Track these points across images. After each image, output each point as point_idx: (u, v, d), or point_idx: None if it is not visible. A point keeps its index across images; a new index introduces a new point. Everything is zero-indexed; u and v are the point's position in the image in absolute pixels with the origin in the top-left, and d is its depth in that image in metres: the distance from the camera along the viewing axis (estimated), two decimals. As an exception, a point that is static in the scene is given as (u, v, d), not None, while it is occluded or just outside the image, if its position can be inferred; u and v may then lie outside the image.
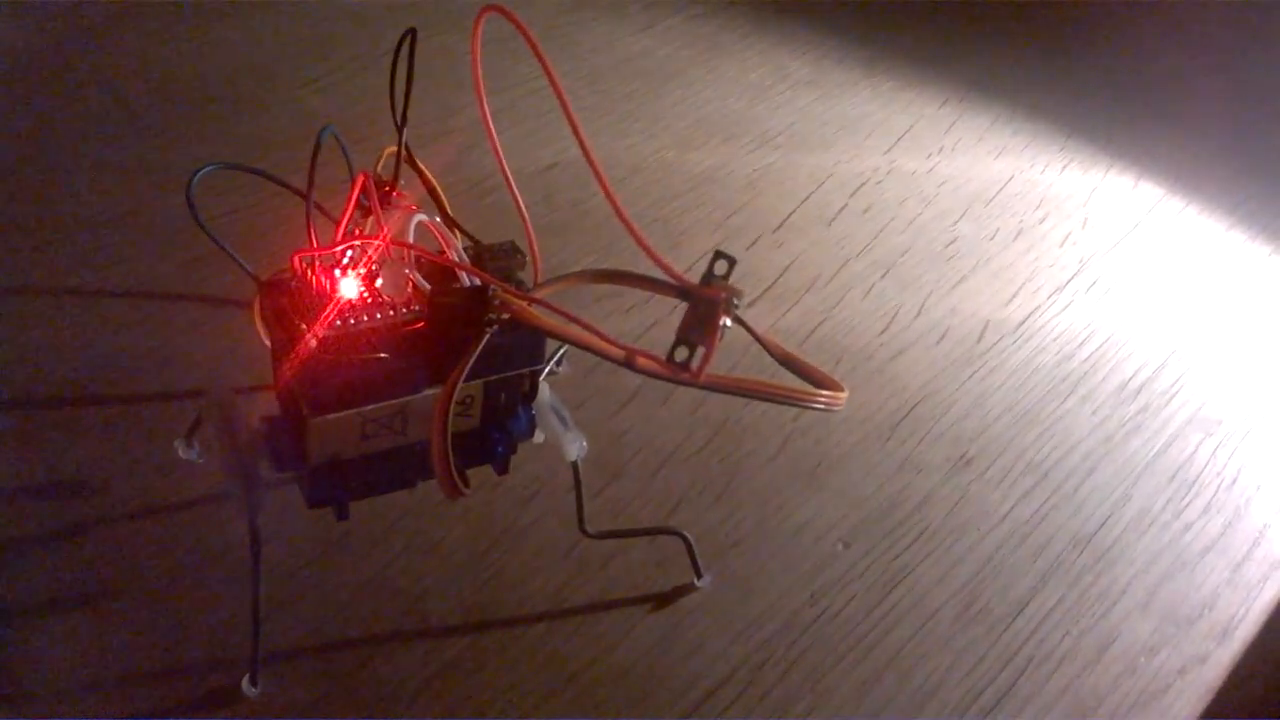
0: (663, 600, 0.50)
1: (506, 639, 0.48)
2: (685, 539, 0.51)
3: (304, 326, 0.39)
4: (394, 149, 0.45)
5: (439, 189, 0.46)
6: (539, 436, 0.46)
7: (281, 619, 0.47)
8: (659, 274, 0.38)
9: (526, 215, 0.42)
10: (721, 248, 0.38)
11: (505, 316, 0.38)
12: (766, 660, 0.49)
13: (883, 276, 0.70)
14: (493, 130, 0.41)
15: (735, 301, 0.37)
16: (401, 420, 0.41)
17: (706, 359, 0.37)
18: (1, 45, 0.75)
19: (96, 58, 0.75)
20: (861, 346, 0.65)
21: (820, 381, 0.40)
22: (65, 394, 0.53)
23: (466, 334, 0.38)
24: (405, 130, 0.44)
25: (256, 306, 0.50)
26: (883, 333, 0.67)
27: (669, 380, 0.38)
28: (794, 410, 0.60)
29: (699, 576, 0.51)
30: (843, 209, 0.75)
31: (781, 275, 0.69)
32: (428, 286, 0.39)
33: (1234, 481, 0.62)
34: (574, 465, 0.46)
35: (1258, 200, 0.84)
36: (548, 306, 0.38)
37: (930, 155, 0.82)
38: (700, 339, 0.37)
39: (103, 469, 0.51)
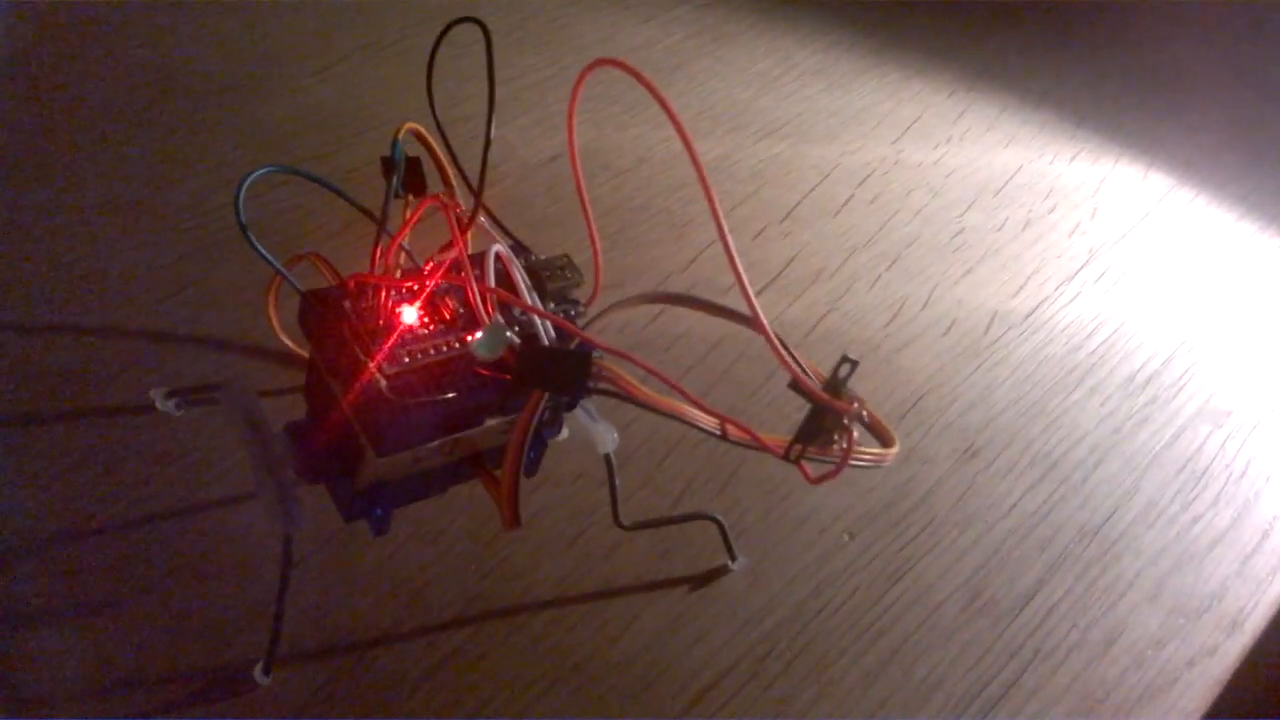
0: (666, 591, 0.50)
1: (509, 629, 0.48)
2: (719, 523, 0.51)
3: (363, 356, 0.37)
4: (411, 124, 0.43)
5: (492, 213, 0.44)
6: (564, 433, 0.46)
7: (287, 608, 0.46)
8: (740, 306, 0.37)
9: (596, 233, 0.41)
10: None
11: (604, 386, 0.36)
12: (771, 651, 0.49)
13: (889, 267, 0.70)
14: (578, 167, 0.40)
15: (863, 414, 0.36)
16: (453, 444, 0.40)
17: (834, 475, 0.36)
18: (5, 38, 0.75)
19: (101, 49, 0.75)
20: (868, 338, 0.65)
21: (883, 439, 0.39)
22: (66, 387, 0.53)
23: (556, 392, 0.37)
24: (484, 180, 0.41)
25: (272, 299, 0.50)
26: (889, 324, 0.66)
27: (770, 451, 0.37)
28: (799, 400, 0.60)
29: (733, 559, 0.51)
30: (849, 199, 0.75)
31: (787, 266, 0.69)
32: (518, 342, 0.37)
33: (1243, 473, 0.61)
34: (607, 458, 0.45)
35: (1268, 191, 0.83)
36: (642, 367, 0.37)
37: (938, 145, 0.81)
38: (820, 450, 0.36)
39: (102, 464, 0.51)
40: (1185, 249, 0.77)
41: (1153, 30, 1.01)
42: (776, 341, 0.36)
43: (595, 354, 0.36)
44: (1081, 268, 0.73)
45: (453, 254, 0.39)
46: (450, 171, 0.45)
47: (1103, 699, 0.50)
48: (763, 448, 0.37)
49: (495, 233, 0.44)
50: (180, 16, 0.79)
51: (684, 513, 0.53)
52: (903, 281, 0.69)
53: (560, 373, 0.36)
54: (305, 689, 0.44)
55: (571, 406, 0.43)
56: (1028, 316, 0.68)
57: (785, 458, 0.37)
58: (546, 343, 0.39)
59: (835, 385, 0.36)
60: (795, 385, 0.37)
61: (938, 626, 0.51)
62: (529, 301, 0.40)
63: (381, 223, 0.39)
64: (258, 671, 0.44)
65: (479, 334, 0.37)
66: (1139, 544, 0.56)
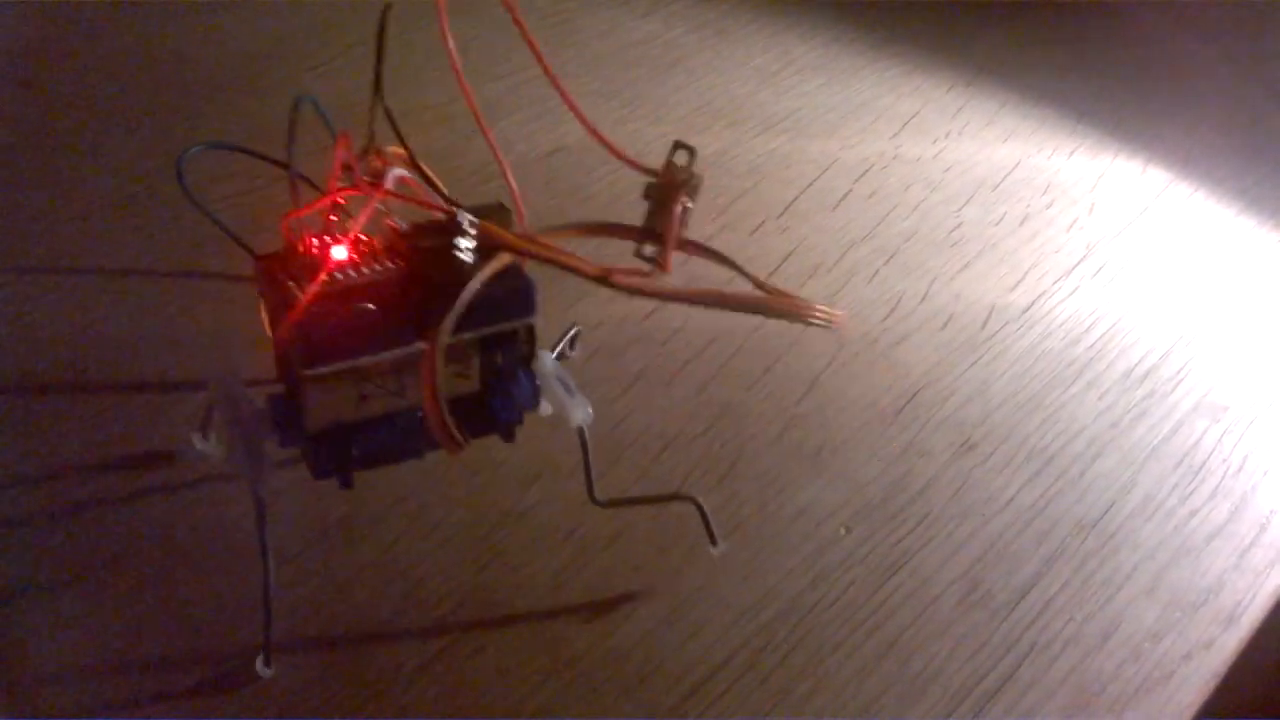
0: (663, 584, 0.50)
1: (505, 621, 0.48)
2: (698, 505, 0.51)
3: (293, 285, 0.39)
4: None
5: (414, 155, 0.46)
6: (545, 408, 0.46)
7: (280, 601, 0.46)
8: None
9: (509, 170, 0.42)
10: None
11: (475, 244, 0.38)
12: (767, 644, 0.49)
13: (887, 262, 0.70)
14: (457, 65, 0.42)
15: (696, 184, 0.37)
16: (398, 381, 0.40)
17: (667, 244, 0.37)
18: (4, 33, 0.75)
19: (98, 45, 0.75)
20: (865, 332, 0.65)
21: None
22: (65, 376, 0.53)
23: (449, 277, 0.38)
24: (383, 92, 0.44)
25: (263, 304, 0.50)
26: (886, 318, 0.66)
27: (641, 291, 0.38)
28: (796, 394, 0.60)
29: (714, 543, 0.51)
30: (847, 194, 0.75)
31: (785, 261, 0.69)
32: (406, 227, 0.40)
33: (1240, 468, 0.61)
34: (580, 431, 0.46)
35: (1268, 186, 0.83)
36: (526, 240, 0.38)
37: (936, 140, 0.81)
38: (662, 224, 0.37)
39: (101, 451, 0.51)
40: (1184, 244, 0.77)
41: (1154, 26, 1.01)
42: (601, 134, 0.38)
43: (460, 212, 0.39)
44: (1079, 262, 0.73)
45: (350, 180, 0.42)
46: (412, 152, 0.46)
47: (1099, 692, 0.50)
48: (642, 285, 0.37)
49: (423, 187, 0.44)
50: (178, 12, 0.79)
51: (662, 493, 0.53)
52: (900, 276, 0.69)
53: (441, 239, 0.39)
54: (301, 681, 0.45)
55: (530, 358, 0.44)
56: (1025, 311, 0.68)
57: (637, 256, 0.37)
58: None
59: (667, 169, 0.38)
60: (648, 190, 0.39)
61: (934, 620, 0.51)
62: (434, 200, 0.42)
63: (289, 158, 0.41)
64: (259, 664, 0.44)
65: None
66: (1136, 538, 0.56)
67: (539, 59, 0.40)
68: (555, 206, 0.68)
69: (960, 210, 0.75)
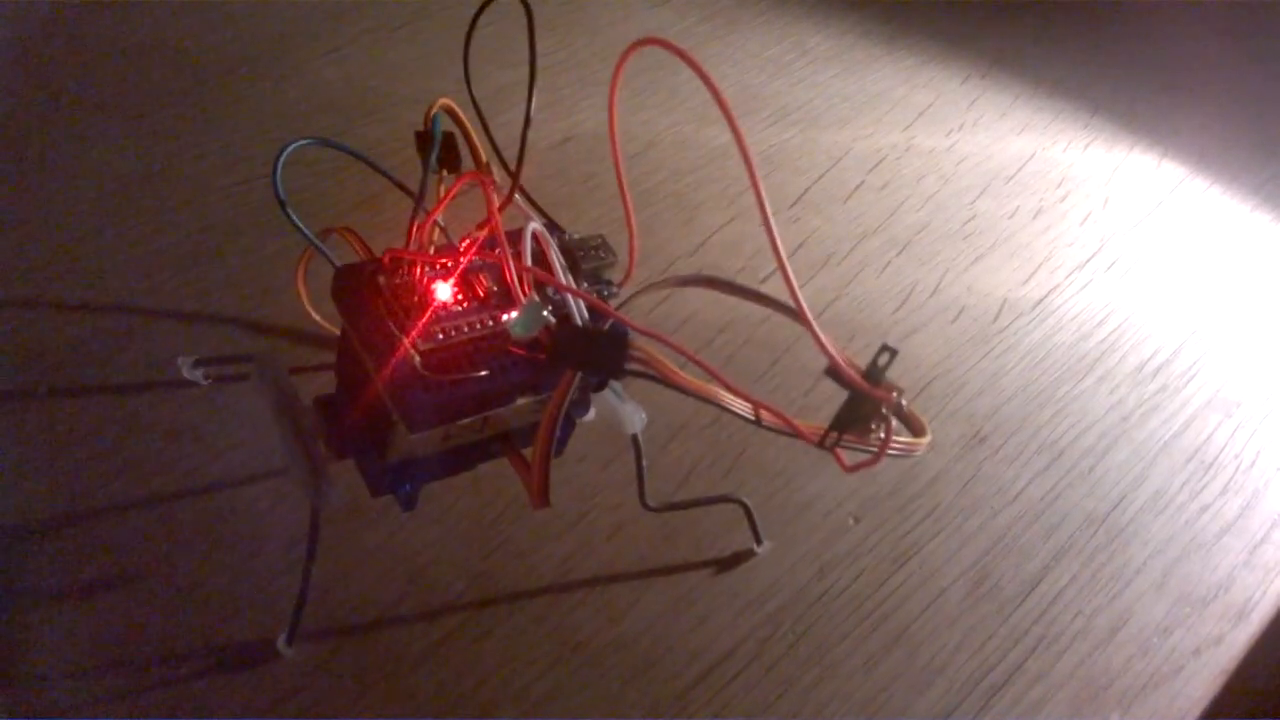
0: (670, 572, 0.50)
1: (512, 607, 0.48)
2: (746, 507, 0.51)
3: (398, 331, 0.37)
4: (445, 100, 0.43)
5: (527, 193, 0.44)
6: (591, 414, 0.45)
7: (289, 583, 0.46)
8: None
9: (632, 212, 0.41)
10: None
11: (639, 369, 0.36)
12: (773, 634, 0.49)
13: (899, 253, 0.70)
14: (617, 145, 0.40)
15: (902, 403, 0.36)
16: (483, 421, 0.40)
17: (871, 464, 0.36)
18: (15, 19, 0.75)
19: (113, 30, 0.75)
20: (876, 324, 0.65)
21: (913, 426, 0.38)
22: (73, 364, 0.54)
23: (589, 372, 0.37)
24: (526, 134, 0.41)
25: (301, 273, 0.50)
26: (897, 310, 0.66)
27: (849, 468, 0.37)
28: (805, 385, 0.60)
29: (759, 543, 0.51)
30: (860, 185, 0.74)
31: (796, 251, 0.68)
32: (553, 321, 0.37)
33: (1253, 463, 0.61)
34: (635, 439, 0.45)
35: (1284, 181, 0.83)
36: (676, 349, 0.36)
37: (950, 132, 0.81)
38: (858, 438, 0.36)
39: (109, 440, 0.51)
40: (1198, 239, 0.76)
41: (1171, 20, 1.00)
42: (817, 329, 0.36)
43: (630, 335, 0.36)
44: (1093, 256, 0.72)
45: (488, 231, 0.39)
46: (481, 149, 0.45)
47: (1107, 686, 0.50)
48: (798, 435, 0.36)
49: (529, 212, 0.44)
50: (192, -3, 0.79)
51: (711, 495, 0.53)
52: (912, 268, 0.69)
53: (596, 353, 0.36)
54: (306, 665, 0.45)
55: (601, 387, 0.43)
56: (1038, 304, 0.68)
57: (821, 445, 0.36)
58: (580, 322, 0.39)
59: (875, 374, 0.36)
60: (833, 372, 0.36)
61: (942, 611, 0.51)
62: (563, 280, 0.39)
63: (419, 198, 0.39)
64: (280, 642, 0.44)
65: (516, 313, 0.37)
66: (1146, 532, 0.56)
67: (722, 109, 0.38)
68: (567, 194, 0.68)
69: (973, 203, 0.75)
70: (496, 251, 0.38)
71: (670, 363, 0.37)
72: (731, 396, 0.37)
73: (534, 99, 0.41)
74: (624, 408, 0.44)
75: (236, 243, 0.61)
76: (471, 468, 0.43)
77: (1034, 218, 0.75)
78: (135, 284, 0.58)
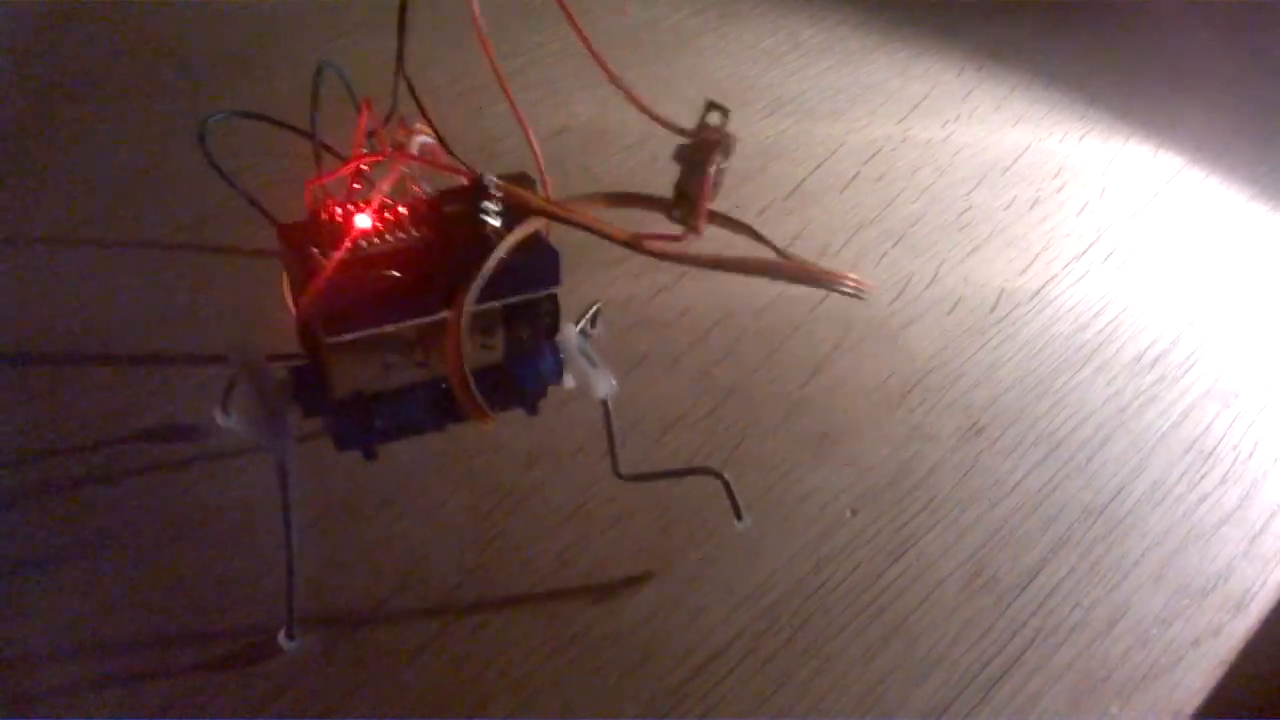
0: (666, 565, 0.50)
1: (508, 600, 0.48)
2: (723, 479, 0.50)
3: (317, 252, 0.38)
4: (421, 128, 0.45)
5: (435, 124, 0.46)
6: (569, 381, 0.45)
7: (280, 578, 0.46)
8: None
9: (535, 140, 0.41)
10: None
11: (501, 207, 0.38)
12: (770, 626, 0.48)
13: (895, 245, 0.69)
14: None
15: (730, 145, 0.36)
16: (423, 352, 0.40)
17: (700, 204, 0.36)
18: (9, 16, 0.74)
19: (110, 21, 0.75)
20: (872, 315, 0.64)
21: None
22: (69, 349, 0.53)
23: (474, 244, 0.38)
24: (406, 62, 0.44)
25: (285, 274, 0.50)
26: (894, 301, 0.66)
27: (669, 256, 0.37)
28: (802, 378, 0.59)
29: (739, 518, 0.51)
30: (855, 176, 0.74)
31: (792, 242, 0.68)
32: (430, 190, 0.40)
33: (1251, 454, 0.61)
34: (604, 404, 0.45)
35: (1280, 172, 0.82)
36: (552, 204, 0.38)
37: (946, 123, 0.80)
38: (694, 186, 0.36)
39: (105, 426, 0.50)
40: (1195, 229, 0.76)
41: (1167, 12, 1.00)
42: (640, 99, 0.38)
43: (485, 175, 0.38)
44: (1090, 247, 0.72)
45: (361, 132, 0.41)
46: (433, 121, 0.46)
47: (1105, 678, 0.49)
48: (672, 251, 0.37)
49: (445, 156, 0.44)
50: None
51: (687, 466, 0.53)
52: (908, 259, 0.69)
53: (466, 204, 0.38)
54: (302, 658, 0.44)
55: (554, 331, 0.43)
56: (1035, 295, 0.68)
57: (670, 218, 0.37)
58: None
59: (699, 128, 0.37)
60: (679, 151, 0.37)
61: (939, 604, 0.51)
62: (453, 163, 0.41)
63: (314, 125, 0.40)
64: (281, 637, 0.44)
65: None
66: (1144, 523, 0.56)
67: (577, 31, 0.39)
68: (562, 185, 0.67)
69: (969, 193, 0.75)
70: (384, 153, 0.41)
71: (532, 196, 0.38)
72: (602, 225, 0.37)
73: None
74: (595, 372, 0.44)
75: (230, 234, 0.60)
76: (440, 427, 0.43)
77: (1031, 209, 0.74)
78: (130, 278, 0.58)
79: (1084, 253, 0.72)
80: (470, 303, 0.38)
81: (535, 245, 0.41)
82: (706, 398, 0.58)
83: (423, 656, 0.45)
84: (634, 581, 0.49)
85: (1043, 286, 0.69)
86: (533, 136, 0.42)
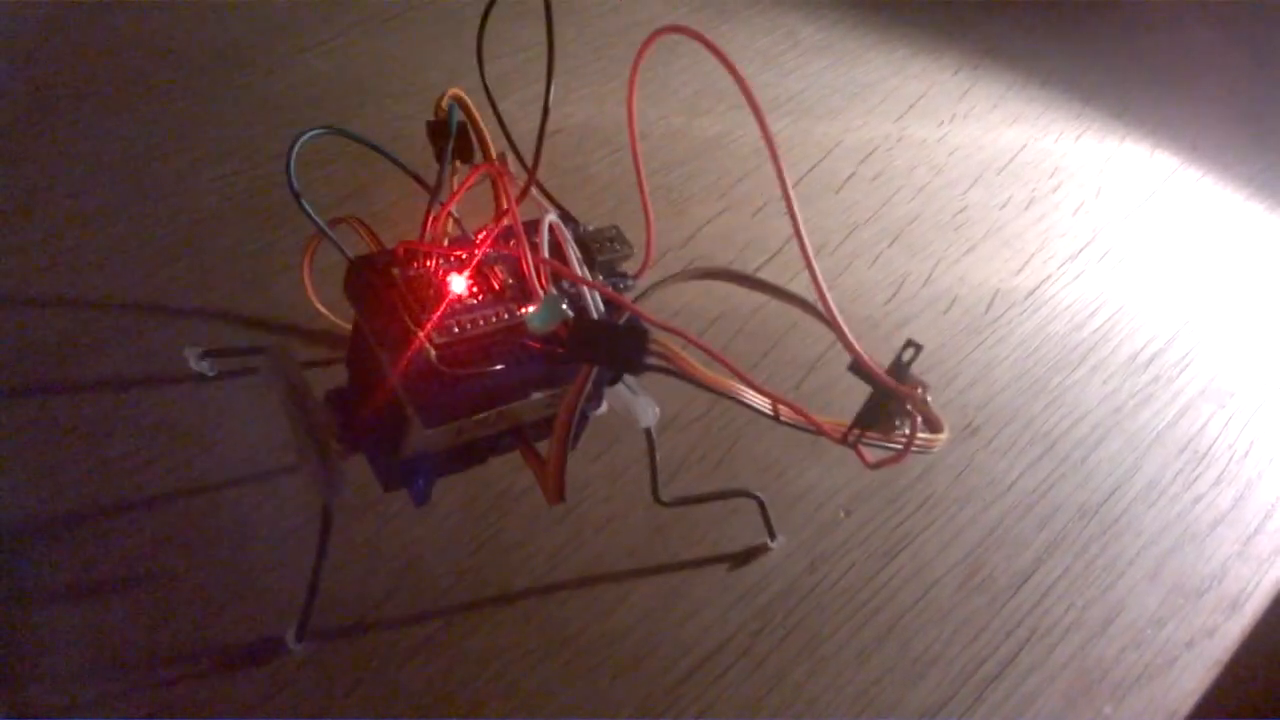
0: (660, 565, 0.50)
1: (501, 602, 0.47)
2: (760, 502, 0.50)
3: (412, 324, 0.36)
4: (456, 90, 0.42)
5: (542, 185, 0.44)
6: (603, 407, 0.45)
7: (277, 580, 0.46)
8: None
9: (649, 204, 0.40)
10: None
11: (659, 363, 0.36)
12: (764, 627, 0.48)
13: (890, 244, 0.69)
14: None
15: (926, 398, 0.36)
16: (497, 415, 0.39)
17: (895, 462, 0.35)
18: (6, 15, 0.74)
19: (99, 23, 0.74)
20: (867, 314, 0.64)
21: (932, 424, 0.38)
22: (60, 355, 0.53)
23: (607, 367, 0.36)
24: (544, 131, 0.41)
25: (307, 265, 0.49)
26: (889, 301, 0.66)
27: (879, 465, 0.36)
28: (797, 377, 0.59)
29: (772, 538, 0.51)
30: (851, 176, 0.74)
31: (787, 242, 0.68)
32: (571, 315, 0.36)
33: (1246, 454, 0.61)
34: (647, 432, 0.44)
35: (1275, 172, 0.82)
36: (693, 343, 0.36)
37: (942, 123, 0.80)
38: (884, 436, 0.35)
39: (99, 425, 0.50)
40: (1191, 229, 0.76)
41: (1162, 11, 1.00)
42: (841, 324, 0.35)
43: (648, 331, 0.35)
44: (1085, 246, 0.72)
45: (505, 222, 0.38)
46: (489, 139, 0.44)
47: (1100, 678, 0.49)
48: (819, 431, 0.36)
49: (544, 204, 0.43)
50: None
51: (725, 489, 0.53)
52: (904, 259, 0.68)
53: (614, 347, 0.35)
54: (295, 660, 0.44)
55: (616, 380, 0.43)
56: (1030, 294, 0.68)
57: (844, 442, 0.36)
58: (596, 316, 0.38)
59: (900, 370, 0.35)
60: (857, 368, 0.36)
61: (934, 604, 0.51)
62: (579, 273, 0.39)
63: (435, 189, 0.39)
64: (289, 637, 0.44)
65: (534, 307, 0.36)
66: (1139, 523, 0.56)
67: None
68: (556, 187, 0.67)
69: (965, 193, 0.74)
70: (512, 243, 0.38)
71: (689, 357, 0.36)
72: (753, 393, 0.36)
73: (551, 92, 0.40)
74: (638, 401, 0.43)
75: (226, 235, 0.60)
76: (483, 461, 0.43)
77: (1026, 208, 0.74)
78: (124, 278, 0.57)
79: (1079, 252, 0.72)
80: (578, 411, 0.37)
81: (634, 328, 0.37)
82: (701, 398, 0.57)
83: (416, 658, 0.45)
84: (627, 582, 0.49)
85: (1038, 286, 0.69)
86: (650, 206, 0.41)
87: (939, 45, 0.89)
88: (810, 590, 0.50)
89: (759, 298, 0.63)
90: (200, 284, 0.58)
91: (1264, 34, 0.98)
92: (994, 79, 0.86)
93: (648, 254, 0.42)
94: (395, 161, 0.44)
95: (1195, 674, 0.50)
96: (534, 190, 0.43)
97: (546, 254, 0.38)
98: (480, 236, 0.39)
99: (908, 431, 0.35)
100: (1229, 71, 0.93)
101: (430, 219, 0.39)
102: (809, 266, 0.35)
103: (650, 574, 0.49)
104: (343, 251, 0.39)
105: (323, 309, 0.51)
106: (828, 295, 0.35)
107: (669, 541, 0.51)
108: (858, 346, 0.35)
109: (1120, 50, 0.93)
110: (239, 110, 0.69)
